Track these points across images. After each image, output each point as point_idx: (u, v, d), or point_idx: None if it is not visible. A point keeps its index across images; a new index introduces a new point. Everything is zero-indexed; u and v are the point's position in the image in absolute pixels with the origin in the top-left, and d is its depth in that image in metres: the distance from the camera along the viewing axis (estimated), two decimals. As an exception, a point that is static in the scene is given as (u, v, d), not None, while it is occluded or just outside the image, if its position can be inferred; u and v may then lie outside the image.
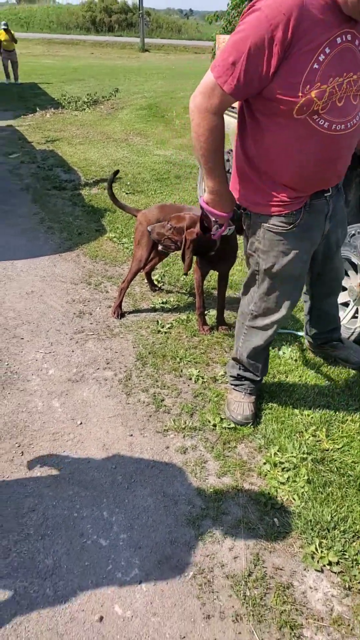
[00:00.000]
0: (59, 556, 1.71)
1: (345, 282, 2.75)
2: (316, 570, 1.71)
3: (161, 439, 2.22)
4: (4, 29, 13.53)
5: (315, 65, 1.51)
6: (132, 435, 2.24)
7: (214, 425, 2.29)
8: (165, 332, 2.97)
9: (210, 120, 1.64)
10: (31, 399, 2.42)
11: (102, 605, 1.59)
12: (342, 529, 1.81)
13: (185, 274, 2.93)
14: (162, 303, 3.28)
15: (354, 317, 2.84)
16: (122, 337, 2.93)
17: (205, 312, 3.05)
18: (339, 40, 1.53)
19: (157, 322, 3.06)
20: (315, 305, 2.51)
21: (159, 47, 28.98)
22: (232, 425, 2.29)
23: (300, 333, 2.89)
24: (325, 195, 1.88)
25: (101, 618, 1.55)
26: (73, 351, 2.79)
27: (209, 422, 2.31)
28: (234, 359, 2.36)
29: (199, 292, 2.92)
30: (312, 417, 2.33)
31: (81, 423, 2.29)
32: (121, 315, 3.13)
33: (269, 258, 1.92)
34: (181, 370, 2.65)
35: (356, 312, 2.83)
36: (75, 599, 1.59)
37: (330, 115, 1.62)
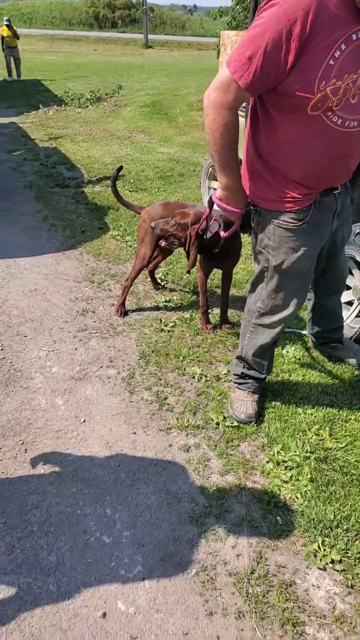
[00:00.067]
0: (62, 553, 1.72)
1: (349, 281, 2.75)
2: (319, 568, 1.72)
3: (164, 437, 2.23)
4: (6, 25, 13.50)
5: (331, 62, 1.51)
6: (135, 433, 2.25)
7: (217, 424, 2.30)
8: (169, 331, 2.97)
9: (225, 116, 1.64)
10: (34, 397, 2.43)
11: (105, 602, 1.59)
12: (345, 527, 1.81)
13: (189, 272, 2.93)
14: (166, 301, 3.28)
15: (358, 315, 2.84)
16: (125, 335, 2.94)
17: (209, 310, 3.05)
18: (354, 37, 1.53)
19: (161, 320, 3.06)
20: (318, 303, 2.51)
21: (163, 44, 28.91)
22: (235, 423, 2.30)
23: (304, 332, 2.90)
24: (334, 192, 1.88)
25: (104, 614, 1.56)
26: (76, 349, 2.79)
27: (212, 420, 2.32)
28: (239, 357, 2.36)
29: (203, 290, 2.92)
30: (315, 416, 2.34)
31: (84, 421, 2.30)
32: (124, 313, 3.14)
33: (279, 254, 1.92)
34: (184, 369, 2.66)
35: (360, 311, 2.83)
36: (78, 595, 1.61)
37: (343, 112, 1.62)
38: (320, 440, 2.21)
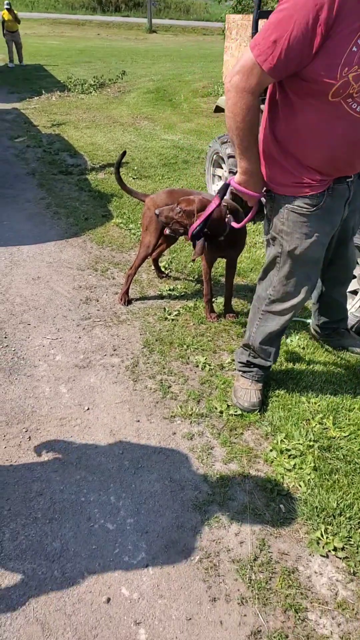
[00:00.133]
0: (66, 539, 1.74)
1: (355, 271, 2.73)
2: (321, 555, 1.73)
3: (168, 425, 2.24)
4: (7, 9, 13.29)
5: (354, 48, 1.50)
6: (139, 421, 2.25)
7: (221, 412, 2.30)
8: (173, 319, 2.97)
9: (247, 100, 1.64)
10: (38, 385, 2.43)
11: (109, 588, 1.61)
12: (347, 515, 1.82)
13: (193, 261, 2.92)
14: (170, 290, 3.27)
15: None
16: (129, 324, 2.94)
17: (213, 299, 3.04)
18: None
19: (164, 309, 3.06)
20: (325, 293, 2.51)
21: (167, 28, 28.52)
22: (239, 412, 2.30)
23: (309, 320, 2.89)
24: (347, 180, 1.89)
25: (108, 599, 1.58)
26: (80, 337, 2.79)
27: (216, 408, 2.32)
28: (245, 345, 2.36)
29: (207, 278, 2.90)
30: (319, 405, 2.34)
31: (88, 409, 2.31)
32: (128, 302, 3.13)
33: (292, 240, 1.93)
34: (188, 358, 2.66)
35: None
36: (82, 581, 1.62)
37: None
38: (324, 429, 2.21)
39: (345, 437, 2.17)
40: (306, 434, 2.16)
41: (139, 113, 8.66)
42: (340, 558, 1.72)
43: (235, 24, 4.06)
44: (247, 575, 1.66)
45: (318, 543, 1.76)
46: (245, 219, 2.17)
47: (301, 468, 2.02)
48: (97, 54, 16.82)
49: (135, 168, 5.67)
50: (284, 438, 2.15)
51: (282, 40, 1.49)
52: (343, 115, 1.63)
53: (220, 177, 4.68)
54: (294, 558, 1.72)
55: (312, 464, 2.02)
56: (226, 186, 2.07)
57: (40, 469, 2.00)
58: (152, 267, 3.45)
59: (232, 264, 2.95)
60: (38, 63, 14.04)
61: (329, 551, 1.73)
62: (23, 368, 2.54)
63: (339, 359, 2.68)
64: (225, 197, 2.25)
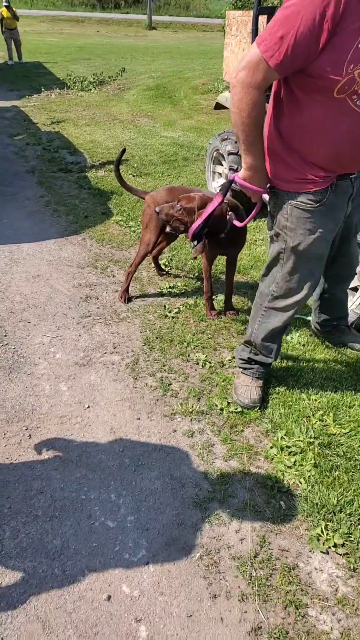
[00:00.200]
0: (67, 537, 1.74)
1: (357, 268, 2.73)
2: (321, 552, 1.73)
3: (168, 422, 2.24)
4: (6, 6, 13.23)
5: None
6: (139, 418, 2.25)
7: (221, 409, 2.30)
8: (173, 317, 2.97)
9: (253, 96, 1.64)
10: (38, 383, 2.43)
11: (110, 585, 1.61)
12: (348, 512, 1.82)
13: (195, 258, 2.91)
14: (170, 287, 3.27)
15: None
16: (129, 321, 2.94)
17: (213, 296, 3.04)
18: None
19: (165, 306, 3.06)
20: (327, 291, 2.51)
21: (167, 25, 28.43)
22: (239, 409, 2.30)
23: (309, 317, 2.88)
24: (351, 177, 1.89)
25: (109, 597, 1.58)
26: (80, 335, 2.79)
27: (216, 406, 2.32)
28: (247, 342, 2.36)
29: (207, 276, 2.90)
30: (319, 402, 2.33)
31: (89, 407, 2.31)
32: (128, 299, 3.13)
33: (296, 235, 1.94)
34: (188, 355, 2.66)
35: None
36: (83, 578, 1.62)
37: None
38: (324, 425, 2.21)
39: (345, 433, 2.17)
40: (306, 431, 2.16)
41: (138, 110, 8.63)
42: (341, 554, 1.72)
43: (235, 20, 4.04)
44: (248, 572, 1.66)
45: (318, 539, 1.76)
46: (249, 217, 2.16)
47: (301, 465, 2.02)
48: (96, 51, 16.78)
49: (135, 165, 5.66)
50: (285, 435, 2.15)
51: (288, 36, 1.50)
52: (348, 111, 1.64)
53: (220, 174, 4.66)
54: (294, 555, 1.73)
55: (313, 461, 2.02)
56: (229, 183, 2.07)
57: (40, 467, 2.00)
58: (152, 265, 3.45)
59: (233, 261, 2.94)
60: (37, 60, 14.01)
61: (329, 547, 1.74)
62: (23, 366, 2.54)
63: (339, 356, 2.68)
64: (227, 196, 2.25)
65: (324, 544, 1.74)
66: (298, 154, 1.80)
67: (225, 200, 2.54)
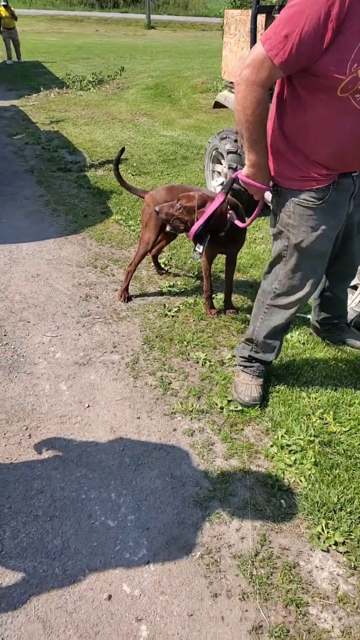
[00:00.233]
0: (67, 537, 1.74)
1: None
2: (322, 550, 1.73)
3: (168, 421, 2.24)
4: (4, 6, 13.19)
5: None
6: (139, 417, 2.25)
7: (221, 408, 2.30)
8: (173, 316, 2.96)
9: (257, 93, 1.65)
10: (38, 382, 2.43)
11: (110, 584, 1.61)
12: (348, 510, 1.82)
13: (197, 259, 2.90)
14: (169, 286, 3.26)
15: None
16: (129, 320, 2.93)
17: (213, 295, 3.04)
18: None
19: (165, 305, 3.05)
20: (327, 289, 2.52)
21: (166, 24, 28.39)
22: (239, 407, 2.30)
23: (309, 316, 2.88)
24: (352, 175, 1.90)
25: (110, 596, 1.58)
26: (80, 335, 2.79)
27: (216, 404, 2.32)
28: (248, 339, 2.37)
29: (207, 274, 2.90)
30: (319, 400, 2.33)
31: (89, 406, 2.31)
32: (128, 298, 3.12)
33: (299, 233, 1.95)
34: (188, 354, 2.65)
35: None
36: (84, 578, 1.62)
37: None
38: (325, 424, 2.21)
39: (345, 432, 2.16)
40: (307, 429, 2.16)
41: (137, 109, 8.63)
42: (341, 552, 1.72)
43: (234, 19, 4.03)
44: (249, 571, 1.66)
45: (319, 538, 1.76)
46: (251, 218, 2.16)
47: (302, 463, 2.02)
48: (95, 50, 16.77)
49: (135, 164, 5.65)
50: (285, 433, 2.15)
51: (293, 35, 1.51)
52: (351, 110, 1.65)
53: (219, 173, 4.66)
54: (295, 553, 1.72)
55: (313, 459, 2.02)
56: (232, 181, 2.07)
57: (40, 467, 2.00)
58: (152, 264, 3.45)
59: (232, 260, 2.94)
60: (36, 60, 14.00)
61: (330, 546, 1.73)
62: (23, 366, 2.53)
63: (339, 354, 2.67)
64: None
65: (324, 542, 1.74)
66: (301, 152, 1.81)
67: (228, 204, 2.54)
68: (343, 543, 1.74)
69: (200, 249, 2.56)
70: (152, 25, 27.29)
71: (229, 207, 2.57)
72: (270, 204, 2.07)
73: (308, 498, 1.88)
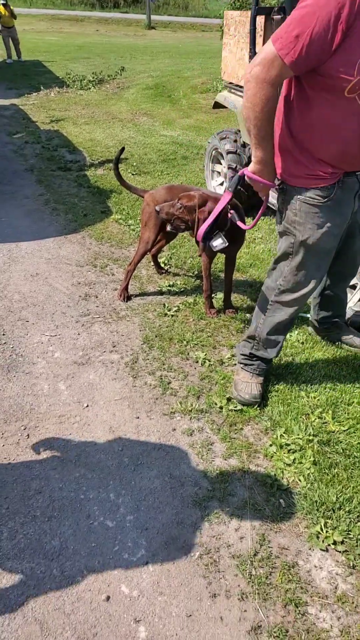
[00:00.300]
0: (65, 537, 1.73)
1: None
2: (321, 549, 1.72)
3: (168, 421, 2.23)
4: (3, 4, 13.17)
5: None
6: (138, 417, 2.24)
7: (221, 408, 2.29)
8: (172, 315, 2.96)
9: (267, 91, 1.68)
10: (37, 382, 2.42)
11: (108, 585, 1.60)
12: (347, 509, 1.81)
13: (200, 256, 2.90)
14: (169, 286, 3.26)
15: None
16: (128, 320, 2.93)
17: (213, 295, 3.03)
18: None
19: (164, 305, 3.05)
20: (328, 288, 2.52)
21: (166, 25, 28.38)
22: (239, 407, 2.29)
23: (308, 315, 2.87)
24: (357, 173, 1.92)
25: (108, 597, 1.57)
26: (79, 334, 2.78)
27: (216, 404, 2.31)
28: (250, 337, 2.37)
29: (207, 274, 2.89)
30: (318, 400, 2.33)
31: (87, 406, 2.30)
32: (127, 298, 3.12)
33: (305, 230, 1.97)
34: (188, 353, 2.65)
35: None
36: (82, 579, 1.62)
37: None
38: (323, 423, 2.20)
39: (344, 431, 2.16)
40: (305, 429, 2.15)
41: (138, 109, 8.62)
42: (340, 552, 1.71)
43: (234, 21, 4.03)
44: (248, 571, 1.65)
45: (318, 537, 1.75)
46: (255, 220, 2.16)
47: (301, 462, 2.01)
48: (95, 50, 16.76)
49: (135, 164, 5.65)
50: (284, 433, 2.14)
51: (304, 35, 1.53)
52: (358, 111, 1.67)
53: (219, 173, 4.65)
54: (294, 552, 1.72)
55: (312, 459, 2.01)
56: (239, 178, 2.09)
57: (39, 467, 1.99)
58: (152, 263, 3.44)
59: (232, 259, 2.93)
60: (36, 59, 13.99)
61: (329, 545, 1.73)
62: (21, 365, 2.53)
63: (338, 353, 2.67)
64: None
65: (323, 541, 1.74)
66: (308, 150, 1.84)
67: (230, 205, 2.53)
68: (342, 542, 1.73)
69: (218, 242, 2.54)
70: (153, 25, 27.29)
71: (229, 207, 2.56)
72: (272, 207, 2.08)
73: (307, 497, 1.87)
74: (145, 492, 1.91)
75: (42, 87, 9.85)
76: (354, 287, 2.85)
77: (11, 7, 13.44)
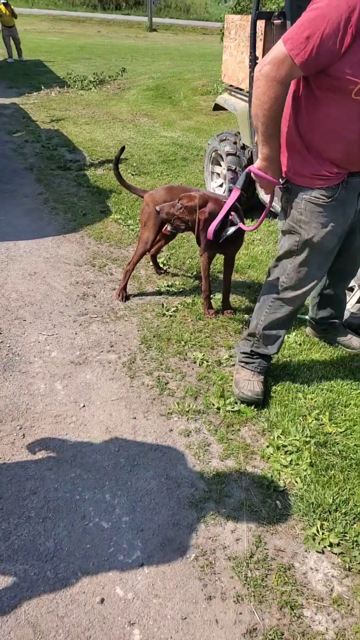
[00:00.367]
0: (60, 539, 1.72)
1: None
2: (317, 551, 1.71)
3: (165, 422, 2.22)
4: (4, 4, 13.14)
5: None
6: (135, 418, 2.23)
7: (218, 409, 2.28)
8: (171, 316, 2.94)
9: (276, 89, 1.70)
10: (33, 381, 2.41)
11: (103, 588, 1.59)
12: (343, 511, 1.80)
13: (202, 255, 2.89)
14: (168, 286, 3.25)
15: (359, 301, 2.83)
16: (126, 320, 2.91)
17: (211, 295, 3.02)
18: None
19: (162, 305, 3.03)
20: (328, 287, 2.53)
21: (167, 27, 28.38)
22: (236, 408, 2.28)
23: (306, 316, 2.87)
24: None
25: (102, 600, 1.56)
26: (76, 334, 2.77)
27: (213, 405, 2.30)
28: (250, 334, 2.37)
29: (206, 275, 2.88)
30: (315, 401, 2.32)
31: (84, 406, 2.29)
32: (126, 298, 3.11)
33: (310, 229, 2.00)
34: (186, 354, 2.64)
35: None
36: (76, 581, 1.60)
37: None
38: (320, 424, 2.19)
39: (341, 432, 2.15)
40: (302, 430, 2.14)
41: (138, 110, 8.61)
42: (336, 554, 1.70)
43: (234, 24, 4.04)
44: (243, 573, 1.64)
45: (314, 539, 1.74)
46: (258, 222, 2.17)
47: (297, 464, 2.00)
48: (97, 51, 16.75)
49: (134, 164, 5.64)
50: (281, 434, 2.13)
51: (314, 36, 1.56)
52: None
53: (218, 174, 4.65)
54: (290, 554, 1.70)
55: (309, 460, 2.00)
56: (246, 176, 2.10)
57: (34, 467, 1.98)
58: (151, 263, 3.43)
59: (231, 260, 2.93)
60: (38, 59, 13.97)
61: (325, 547, 1.72)
62: (18, 364, 2.51)
63: (335, 355, 2.66)
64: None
65: (319, 543, 1.73)
66: (315, 150, 1.87)
67: (224, 200, 2.53)
68: (338, 544, 1.72)
69: (231, 229, 2.55)
70: (154, 28, 27.30)
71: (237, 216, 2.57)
72: (272, 209, 2.08)
73: (303, 499, 1.86)
74: (141, 493, 1.89)
75: (42, 87, 9.84)
76: (351, 289, 2.85)
77: (12, 7, 13.43)
